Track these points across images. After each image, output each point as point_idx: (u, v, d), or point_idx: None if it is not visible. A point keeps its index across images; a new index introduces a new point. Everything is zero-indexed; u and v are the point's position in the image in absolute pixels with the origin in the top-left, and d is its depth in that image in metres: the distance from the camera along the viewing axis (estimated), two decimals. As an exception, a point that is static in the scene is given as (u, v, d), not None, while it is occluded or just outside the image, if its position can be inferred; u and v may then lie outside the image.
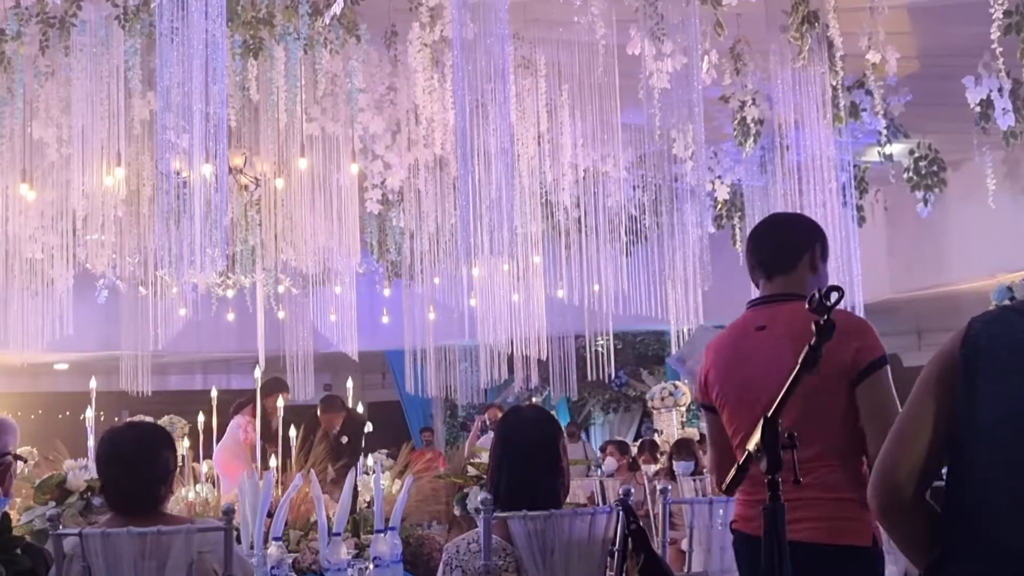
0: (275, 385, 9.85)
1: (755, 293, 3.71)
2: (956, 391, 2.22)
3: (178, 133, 6.66)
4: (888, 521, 2.30)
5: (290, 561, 4.86)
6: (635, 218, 10.79)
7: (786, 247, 3.70)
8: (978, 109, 7.89)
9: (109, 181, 7.95)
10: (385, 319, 14.16)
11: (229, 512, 3.54)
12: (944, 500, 2.25)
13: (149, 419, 7.99)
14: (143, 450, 3.64)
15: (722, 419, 3.65)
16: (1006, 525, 2.12)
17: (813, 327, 2.26)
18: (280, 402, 8.26)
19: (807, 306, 2.27)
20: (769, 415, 2.25)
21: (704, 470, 10.06)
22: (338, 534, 4.83)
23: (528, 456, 3.72)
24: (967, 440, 2.20)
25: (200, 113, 6.38)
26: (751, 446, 2.27)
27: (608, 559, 3.68)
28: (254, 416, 8.57)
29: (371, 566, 4.87)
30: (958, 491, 2.23)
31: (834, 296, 2.23)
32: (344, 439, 10.29)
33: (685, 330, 10.78)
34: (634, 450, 12.54)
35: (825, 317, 2.24)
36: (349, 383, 9.63)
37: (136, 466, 3.59)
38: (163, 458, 3.66)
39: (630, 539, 3.60)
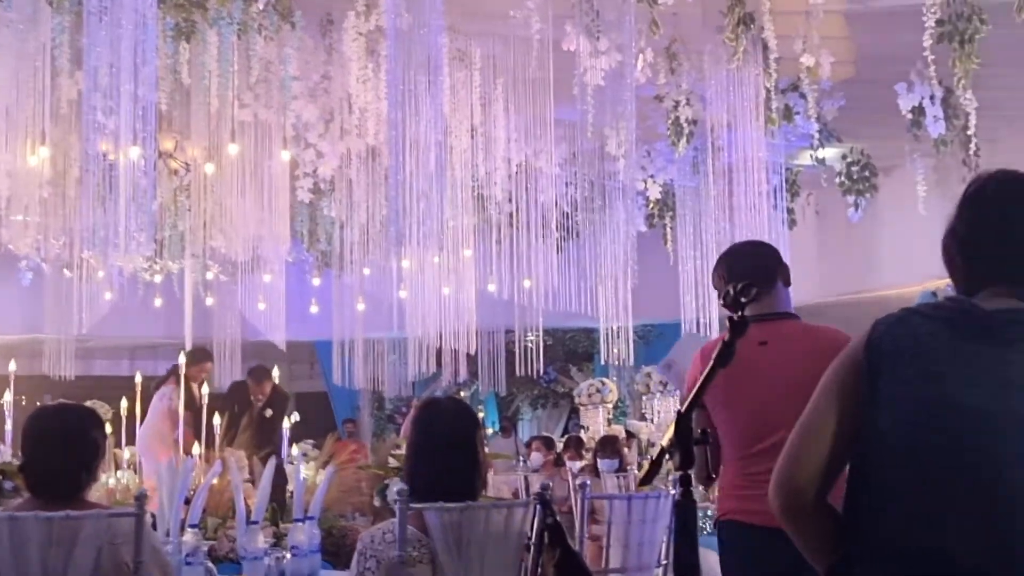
0: (200, 355, 9.77)
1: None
2: (859, 393, 2.24)
3: (106, 114, 6.57)
4: (789, 522, 2.30)
5: (206, 549, 4.80)
6: (567, 215, 10.80)
7: (766, 265, 4.14)
8: (910, 116, 7.97)
9: (34, 161, 7.82)
10: (314, 309, 14.05)
11: (141, 498, 3.48)
12: (846, 502, 2.27)
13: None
14: (73, 430, 3.56)
15: (711, 418, 3.98)
16: (907, 526, 2.15)
17: (727, 323, 2.27)
18: (205, 373, 8.20)
19: (721, 302, 2.29)
20: (682, 411, 2.26)
21: (628, 467, 10.11)
22: (256, 522, 4.78)
23: (445, 448, 3.69)
24: (869, 442, 2.23)
25: (129, 95, 6.30)
26: (664, 442, 2.28)
27: (524, 553, 3.67)
28: (178, 384, 8.52)
29: (288, 555, 4.83)
30: (860, 493, 2.24)
31: (752, 292, 2.24)
32: (268, 412, 10.26)
33: (614, 327, 10.81)
34: (560, 446, 12.56)
35: (740, 314, 2.25)
36: (276, 372, 9.56)
37: (63, 445, 3.51)
38: (92, 439, 3.59)
39: (547, 533, 3.59)
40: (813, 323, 4.18)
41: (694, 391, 2.34)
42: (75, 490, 3.51)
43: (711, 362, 2.36)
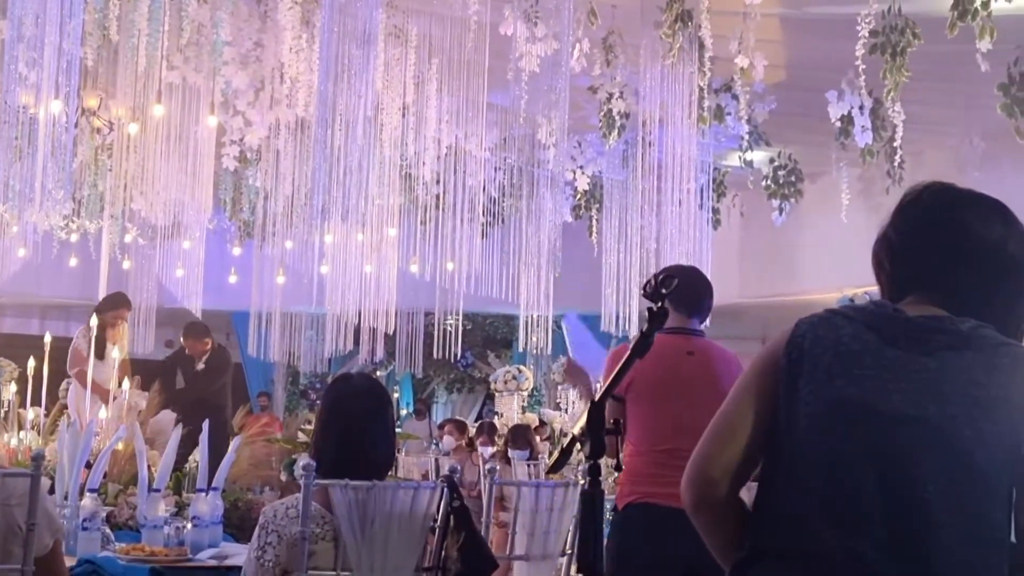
0: (119, 299, 9.61)
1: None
2: (777, 390, 2.23)
3: (29, 66, 6.42)
4: (700, 516, 2.28)
5: (104, 515, 4.71)
6: (494, 200, 10.77)
7: (711, 298, 4.91)
8: (839, 124, 8.04)
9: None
10: (233, 279, 13.88)
11: (38, 458, 3.39)
12: (756, 499, 2.25)
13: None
14: None
15: (628, 411, 4.60)
16: (815, 527, 2.13)
17: (646, 313, 2.26)
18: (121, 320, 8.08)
19: (642, 292, 2.28)
20: (596, 399, 2.25)
21: (539, 455, 10.13)
22: (158, 490, 4.71)
23: (354, 425, 3.65)
24: (783, 441, 2.21)
25: (53, 47, 6.15)
26: (576, 430, 2.27)
27: (429, 535, 3.64)
28: (88, 327, 8.41)
29: (189, 525, 4.76)
30: (771, 492, 2.23)
31: (671, 283, 2.23)
32: (201, 366, 10.14)
33: (534, 316, 10.82)
34: (473, 431, 12.55)
35: (659, 304, 2.24)
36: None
37: None
38: None
39: (452, 516, 3.56)
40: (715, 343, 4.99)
41: (608, 382, 2.32)
42: None
43: (628, 352, 2.34)
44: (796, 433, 2.19)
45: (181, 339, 10.57)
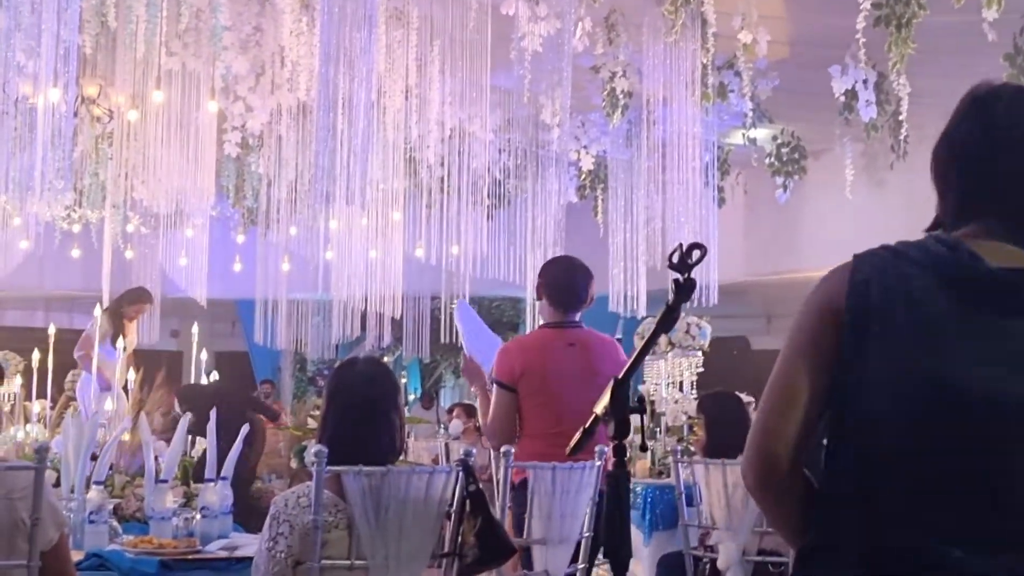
0: (142, 294, 9.58)
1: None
2: (838, 348, 1.94)
3: (28, 55, 6.36)
4: (764, 495, 2.05)
5: (111, 507, 4.66)
6: (499, 182, 10.71)
7: (588, 289, 5.28)
8: (842, 99, 7.99)
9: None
10: (237, 267, 13.83)
11: (42, 451, 3.33)
12: (822, 482, 1.99)
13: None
14: None
15: (518, 399, 5.11)
16: (893, 519, 1.87)
17: (671, 285, 2.18)
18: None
19: (668, 263, 2.18)
20: (619, 377, 2.17)
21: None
22: (165, 481, 4.66)
23: (360, 410, 3.59)
24: (850, 410, 1.93)
25: (51, 35, 6.09)
26: (598, 409, 2.19)
27: (445, 520, 3.59)
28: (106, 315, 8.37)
29: (198, 516, 4.71)
30: (839, 474, 1.95)
31: (696, 254, 2.15)
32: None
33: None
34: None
35: (686, 276, 2.16)
36: (195, 329, 9.37)
37: None
38: None
39: (468, 501, 3.51)
40: (594, 331, 5.43)
41: (632, 359, 2.24)
42: None
43: (655, 327, 2.25)
44: (867, 406, 1.91)
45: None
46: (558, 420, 4.93)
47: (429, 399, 19.94)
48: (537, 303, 5.47)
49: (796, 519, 2.03)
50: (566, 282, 5.27)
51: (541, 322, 5.49)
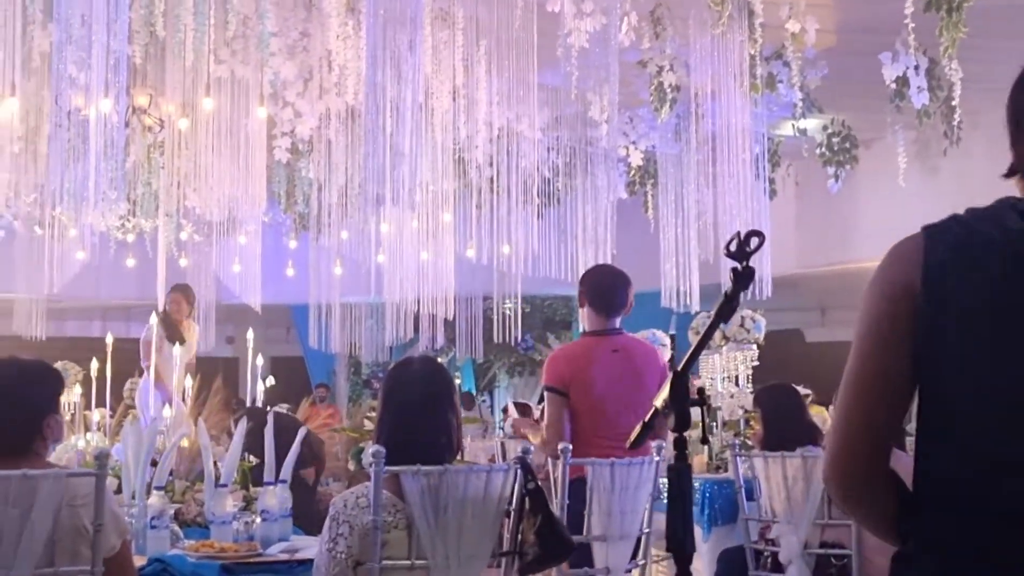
0: (173, 287, 9.70)
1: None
2: (919, 343, 1.80)
3: (80, 67, 6.42)
4: (850, 509, 1.96)
5: (172, 512, 4.70)
6: (548, 180, 10.69)
7: (628, 295, 5.49)
8: (893, 86, 7.90)
9: (3, 114, 7.65)
10: (290, 272, 13.92)
11: (102, 457, 3.36)
12: (918, 482, 1.85)
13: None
14: (20, 384, 3.44)
15: (570, 403, 5.31)
16: (976, 527, 1.74)
17: (731, 273, 2.15)
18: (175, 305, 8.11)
19: (726, 252, 2.14)
20: (679, 368, 2.14)
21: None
22: (224, 485, 4.68)
23: (417, 409, 3.59)
24: (940, 418, 1.80)
25: (101, 47, 6.15)
26: (658, 402, 2.17)
27: (504, 519, 3.58)
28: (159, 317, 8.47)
29: (258, 519, 4.73)
30: (939, 475, 1.81)
31: (754, 241, 2.12)
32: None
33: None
34: (537, 413, 12.48)
35: (744, 264, 2.12)
36: (250, 335, 9.43)
37: (11, 400, 3.39)
38: (44, 394, 3.46)
39: (527, 499, 3.50)
40: (635, 336, 5.89)
41: (690, 351, 2.22)
42: (25, 447, 3.38)
43: (713, 316, 2.23)
44: (955, 414, 1.78)
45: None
46: (607, 422, 5.20)
47: (470, 399, 19.96)
48: (580, 310, 5.65)
49: (889, 519, 1.90)
50: (608, 289, 5.51)
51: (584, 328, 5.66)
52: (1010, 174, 1.91)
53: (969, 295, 1.75)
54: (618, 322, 5.52)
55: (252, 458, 5.43)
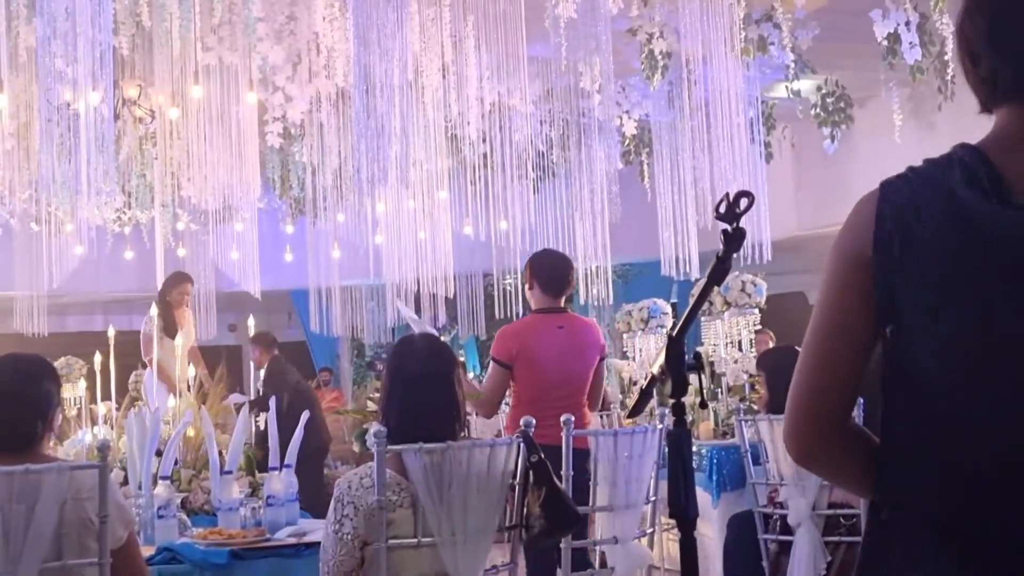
0: (178, 276, 9.67)
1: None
2: (872, 297, 1.79)
3: (67, 61, 6.39)
4: (818, 460, 1.92)
5: (179, 501, 4.69)
6: (543, 153, 10.65)
7: (572, 277, 6.26)
8: (885, 44, 7.85)
9: (-8, 110, 7.63)
10: (288, 257, 13.90)
11: (104, 448, 3.35)
12: (884, 436, 1.85)
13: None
14: (22, 381, 3.44)
15: (511, 375, 5.86)
16: (963, 471, 1.71)
17: (721, 236, 2.12)
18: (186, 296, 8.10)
19: (715, 214, 2.11)
20: (674, 334, 2.11)
21: (610, 405, 10.05)
22: (230, 472, 4.68)
23: (419, 387, 3.58)
24: (899, 383, 1.79)
25: (87, 40, 6.12)
26: (655, 369, 2.14)
27: (509, 492, 3.57)
28: (159, 309, 8.44)
29: (265, 505, 4.73)
30: (901, 428, 1.81)
31: (744, 202, 2.09)
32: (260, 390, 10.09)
33: (593, 267, 10.72)
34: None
35: (735, 225, 2.09)
36: (251, 322, 9.42)
37: (14, 397, 3.39)
38: (44, 390, 3.46)
39: (531, 471, 3.49)
40: (577, 315, 6.48)
41: (685, 315, 2.19)
42: (29, 442, 3.38)
43: (707, 279, 2.20)
44: (913, 379, 1.77)
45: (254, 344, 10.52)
46: (547, 388, 5.77)
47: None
48: (528, 291, 6.13)
49: (857, 476, 1.90)
50: (556, 272, 6.04)
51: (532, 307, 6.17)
52: (984, 110, 1.87)
53: (917, 266, 1.74)
54: (562, 301, 6.08)
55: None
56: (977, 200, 1.69)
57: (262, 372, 9.94)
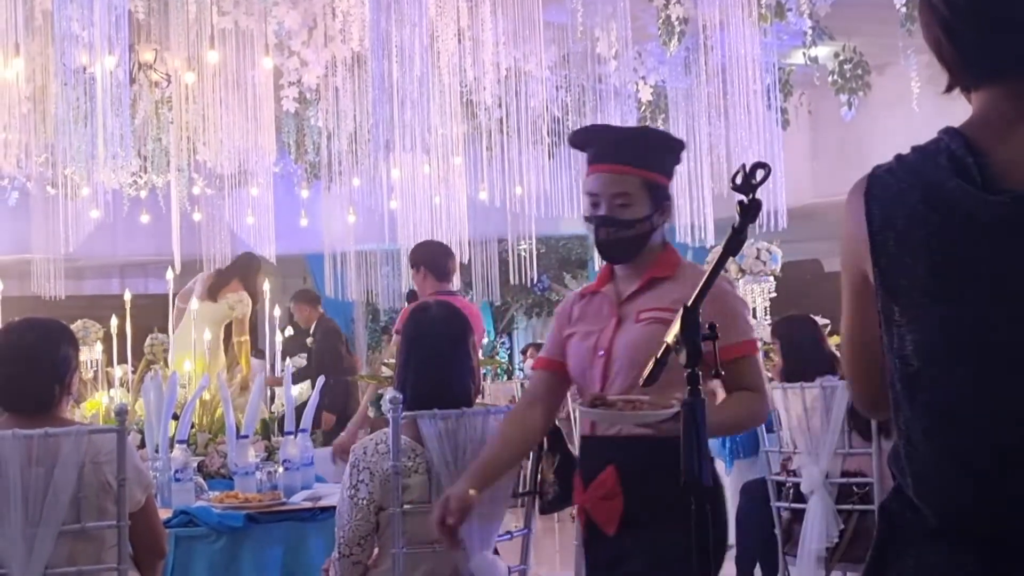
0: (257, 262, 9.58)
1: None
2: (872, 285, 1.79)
3: (83, 25, 6.40)
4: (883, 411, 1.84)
5: (195, 464, 4.73)
6: (558, 119, 10.62)
7: (455, 265, 6.83)
8: (904, 10, 7.80)
9: (9, 75, 7.62)
10: (304, 222, 13.91)
11: (122, 413, 3.37)
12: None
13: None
14: (40, 344, 3.45)
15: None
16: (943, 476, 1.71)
17: (737, 207, 2.11)
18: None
19: (732, 184, 2.10)
20: (689, 304, 2.11)
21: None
22: (246, 436, 4.71)
23: (434, 354, 3.60)
24: (898, 371, 1.76)
25: (103, 3, 6.12)
26: (669, 338, 2.13)
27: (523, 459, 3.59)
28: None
29: (280, 469, 4.77)
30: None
31: (760, 173, 2.08)
32: (310, 340, 10.14)
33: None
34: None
35: (751, 196, 2.08)
36: (267, 286, 9.44)
37: (32, 361, 3.41)
38: (62, 354, 3.47)
39: (545, 438, 3.51)
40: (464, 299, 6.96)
41: (701, 285, 2.18)
42: (48, 405, 3.40)
43: (722, 250, 2.18)
44: (907, 366, 1.76)
45: (290, 305, 10.50)
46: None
47: None
48: (420, 278, 6.45)
49: None
50: (443, 260, 6.53)
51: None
52: (949, 89, 1.83)
53: (906, 259, 1.72)
54: (450, 286, 6.60)
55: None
56: (965, 191, 1.66)
57: (286, 333, 9.90)
